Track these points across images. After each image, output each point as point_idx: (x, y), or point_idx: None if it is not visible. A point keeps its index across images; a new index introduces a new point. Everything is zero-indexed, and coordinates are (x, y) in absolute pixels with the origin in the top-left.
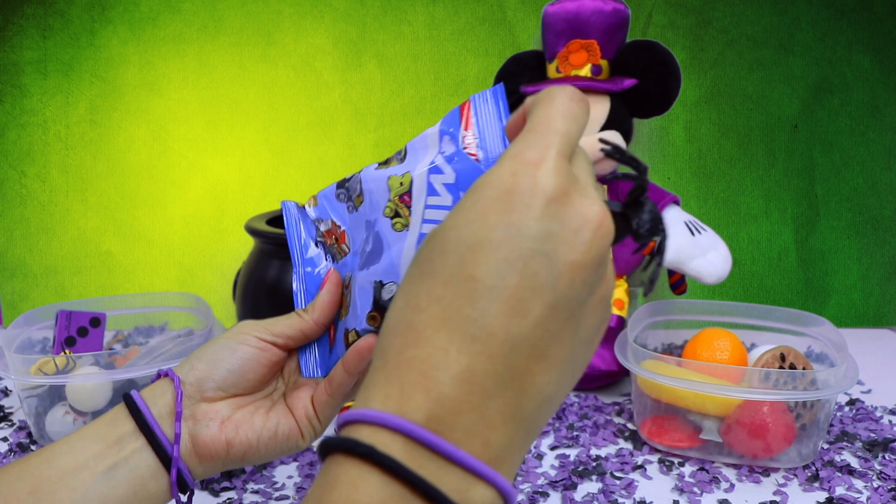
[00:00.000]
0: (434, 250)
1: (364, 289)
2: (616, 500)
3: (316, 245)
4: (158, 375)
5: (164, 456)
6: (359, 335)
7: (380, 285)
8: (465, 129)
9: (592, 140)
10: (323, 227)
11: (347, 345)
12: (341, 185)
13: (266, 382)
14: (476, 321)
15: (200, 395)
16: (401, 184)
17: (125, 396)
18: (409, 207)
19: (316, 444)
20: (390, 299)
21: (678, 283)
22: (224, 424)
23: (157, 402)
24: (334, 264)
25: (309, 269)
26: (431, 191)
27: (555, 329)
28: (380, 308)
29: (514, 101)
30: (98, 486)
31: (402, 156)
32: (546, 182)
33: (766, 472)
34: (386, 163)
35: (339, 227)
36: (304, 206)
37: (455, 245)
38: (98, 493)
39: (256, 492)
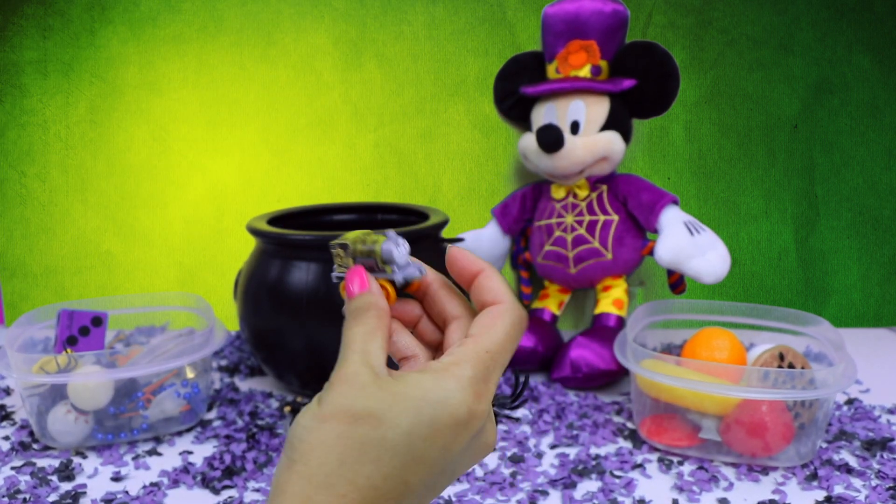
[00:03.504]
0: (382, 447)
1: None
2: (615, 498)
3: None
4: None
5: None
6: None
7: None
8: None
9: (592, 140)
10: None
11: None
12: None
13: None
14: None
15: None
16: None
17: None
18: None
19: None
20: None
21: (677, 283)
22: None
23: None
24: None
25: None
26: None
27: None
28: None
29: (514, 102)
30: None
31: None
32: (480, 420)
33: (765, 470)
34: None
35: None
36: None
37: (403, 453)
38: None
39: (257, 490)
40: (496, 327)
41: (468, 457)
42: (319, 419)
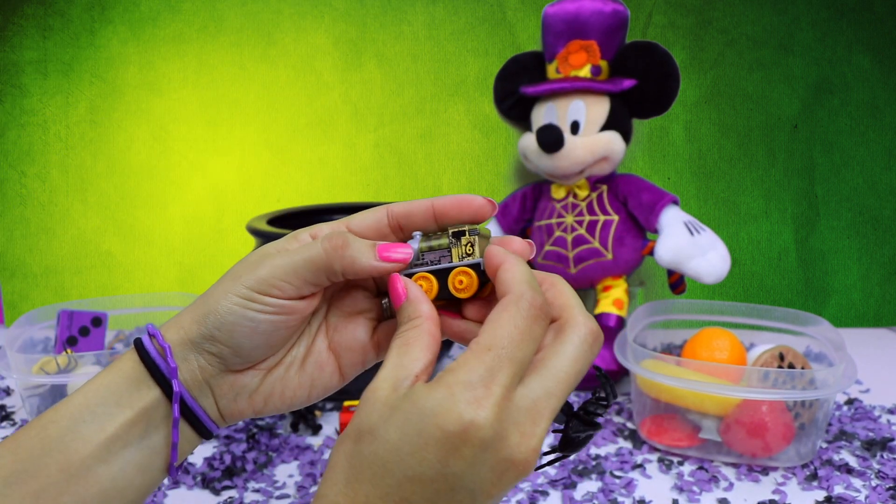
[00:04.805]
0: (375, 465)
1: None
2: (616, 498)
3: None
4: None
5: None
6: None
7: None
8: None
9: (592, 140)
10: None
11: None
12: None
13: (302, 332)
14: None
15: (225, 367)
16: None
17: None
18: None
19: (317, 441)
20: None
21: (677, 283)
22: (252, 398)
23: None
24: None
25: None
26: None
27: None
28: None
29: (514, 102)
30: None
31: None
32: (484, 430)
33: (765, 471)
34: None
35: None
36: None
37: (395, 470)
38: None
39: (257, 490)
40: (500, 321)
41: (485, 473)
42: (339, 439)
